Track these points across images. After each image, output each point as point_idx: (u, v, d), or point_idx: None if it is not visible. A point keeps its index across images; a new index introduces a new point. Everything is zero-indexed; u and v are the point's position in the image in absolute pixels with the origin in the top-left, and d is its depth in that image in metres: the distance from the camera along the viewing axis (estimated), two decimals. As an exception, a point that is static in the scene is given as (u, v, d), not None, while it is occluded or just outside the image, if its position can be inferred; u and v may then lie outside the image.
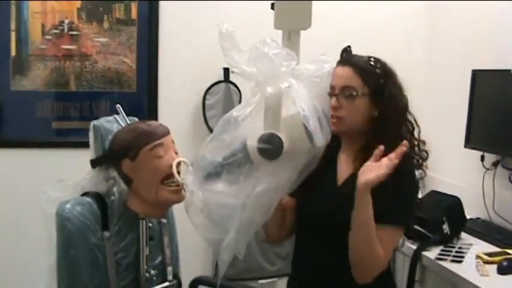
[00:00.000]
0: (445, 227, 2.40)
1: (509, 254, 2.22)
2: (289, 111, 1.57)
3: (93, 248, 1.67)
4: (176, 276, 1.90)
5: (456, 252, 2.32)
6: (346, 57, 1.73)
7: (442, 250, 2.34)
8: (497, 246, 2.38)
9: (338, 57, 1.79)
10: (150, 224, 1.80)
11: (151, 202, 1.75)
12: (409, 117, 1.73)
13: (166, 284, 1.84)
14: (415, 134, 1.73)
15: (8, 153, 3.04)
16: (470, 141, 2.80)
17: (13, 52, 3.04)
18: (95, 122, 1.85)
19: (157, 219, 1.84)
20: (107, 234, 1.70)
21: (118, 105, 1.89)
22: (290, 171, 1.60)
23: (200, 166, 1.61)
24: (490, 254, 2.24)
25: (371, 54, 1.74)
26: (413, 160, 1.72)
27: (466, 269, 2.16)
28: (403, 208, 1.65)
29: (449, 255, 2.28)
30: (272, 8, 2.19)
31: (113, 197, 1.78)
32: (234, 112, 1.60)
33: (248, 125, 1.58)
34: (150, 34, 3.14)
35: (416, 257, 2.34)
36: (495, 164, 2.70)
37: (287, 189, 1.65)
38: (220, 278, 1.68)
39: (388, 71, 1.71)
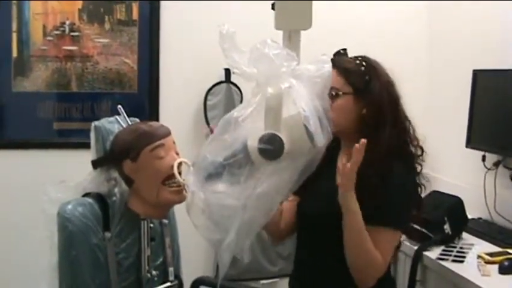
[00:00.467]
0: (447, 227, 2.40)
1: (510, 254, 2.22)
2: (289, 111, 1.57)
3: (94, 249, 1.68)
4: (178, 276, 1.90)
5: (457, 252, 2.32)
6: (334, 59, 1.74)
7: (444, 250, 2.34)
8: (499, 246, 2.38)
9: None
10: (152, 225, 1.80)
11: (153, 203, 1.75)
12: (403, 112, 1.72)
13: (168, 284, 1.84)
14: (411, 132, 1.73)
15: (9, 154, 3.05)
16: (472, 141, 2.80)
17: (14, 53, 3.05)
18: (96, 122, 1.85)
19: (158, 220, 1.85)
20: (108, 234, 1.71)
21: (119, 106, 1.89)
22: (291, 172, 1.60)
23: (201, 167, 1.61)
24: (491, 254, 2.24)
25: (371, 55, 1.75)
26: (407, 160, 1.71)
27: (468, 269, 2.16)
28: (397, 210, 1.65)
29: (450, 255, 2.28)
30: (273, 8, 2.19)
31: (114, 198, 1.78)
32: (235, 112, 1.60)
33: (249, 125, 1.57)
34: (151, 35, 3.15)
35: (417, 257, 2.34)
36: (496, 164, 2.70)
37: (288, 190, 1.64)
38: (220, 278, 1.68)
39: (372, 67, 1.72)
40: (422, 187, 1.77)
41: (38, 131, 3.10)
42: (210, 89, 3.16)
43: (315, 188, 1.71)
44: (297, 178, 1.63)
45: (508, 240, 2.41)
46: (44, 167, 2.93)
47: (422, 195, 1.80)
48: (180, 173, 1.73)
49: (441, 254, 2.30)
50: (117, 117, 1.87)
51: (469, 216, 2.57)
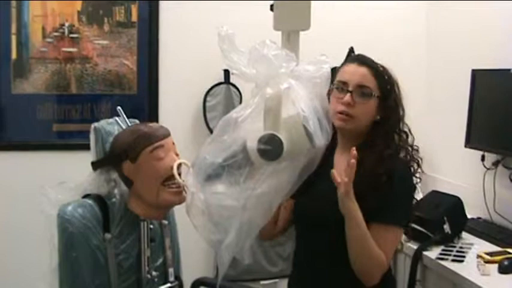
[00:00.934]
0: (446, 226, 2.40)
1: (510, 253, 2.22)
2: (289, 112, 1.57)
3: (94, 250, 1.68)
4: (178, 277, 1.90)
5: (457, 251, 2.32)
6: (361, 57, 1.76)
7: (443, 250, 2.34)
8: (498, 245, 2.37)
9: (338, 58, 1.80)
10: (151, 226, 1.80)
11: (152, 204, 1.76)
12: (404, 128, 1.76)
13: (168, 285, 1.84)
14: (409, 141, 1.76)
15: (9, 156, 3.05)
16: (471, 141, 2.80)
17: (14, 55, 3.05)
18: (96, 124, 1.86)
19: (158, 221, 1.85)
20: (108, 236, 1.71)
21: (119, 108, 1.90)
22: (290, 172, 1.61)
23: (200, 167, 1.61)
24: (491, 254, 2.24)
25: (370, 55, 1.75)
26: (408, 164, 1.74)
27: (467, 269, 2.16)
28: (399, 208, 1.68)
29: (450, 255, 2.28)
30: (271, 9, 2.19)
31: (114, 199, 1.78)
32: (234, 113, 1.60)
33: (248, 126, 1.58)
34: (150, 36, 3.15)
35: (417, 256, 2.34)
36: (495, 164, 2.70)
37: (288, 191, 1.65)
38: (220, 279, 1.68)
39: (394, 79, 1.76)
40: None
41: (38, 133, 3.10)
42: (209, 90, 3.16)
43: (314, 188, 1.72)
44: (296, 178, 1.63)
45: (508, 239, 2.42)
46: (43, 169, 2.92)
47: (421, 195, 1.82)
48: (179, 174, 1.74)
49: (441, 254, 2.30)
50: (116, 118, 1.87)
51: (469, 216, 2.57)
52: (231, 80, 3.14)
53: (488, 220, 2.71)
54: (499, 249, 2.32)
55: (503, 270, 2.11)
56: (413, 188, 1.76)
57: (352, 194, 1.56)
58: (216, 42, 1.61)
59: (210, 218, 1.61)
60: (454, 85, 3.06)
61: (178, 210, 1.84)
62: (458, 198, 2.51)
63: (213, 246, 1.70)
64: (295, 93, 1.58)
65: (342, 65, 1.78)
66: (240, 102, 3.11)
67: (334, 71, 1.75)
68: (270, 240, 1.87)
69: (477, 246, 2.40)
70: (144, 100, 3.18)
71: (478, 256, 2.24)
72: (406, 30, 3.38)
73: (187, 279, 1.98)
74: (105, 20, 3.12)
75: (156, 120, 3.09)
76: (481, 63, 2.76)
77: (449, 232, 2.41)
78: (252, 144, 1.55)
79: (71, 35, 3.09)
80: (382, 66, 1.74)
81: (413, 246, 2.39)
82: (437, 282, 2.31)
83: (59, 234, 1.68)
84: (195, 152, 1.68)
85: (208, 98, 3.16)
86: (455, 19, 3.15)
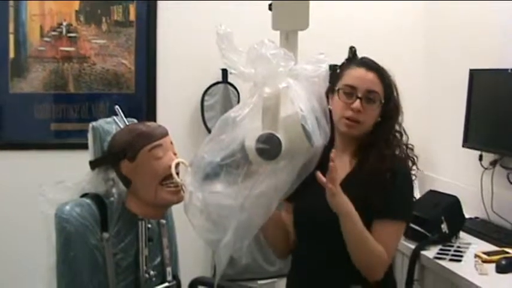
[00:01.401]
0: (444, 226, 2.41)
1: (507, 252, 2.23)
2: (287, 111, 1.57)
3: (92, 249, 1.68)
4: (175, 276, 1.91)
5: (455, 251, 2.32)
6: (368, 61, 1.77)
7: (441, 249, 2.35)
8: (496, 245, 2.38)
9: (336, 57, 1.80)
10: (149, 225, 1.80)
11: (150, 203, 1.75)
12: (399, 128, 1.79)
13: (166, 284, 1.84)
14: (404, 140, 1.79)
15: (7, 155, 3.04)
16: (468, 141, 2.81)
17: (12, 54, 3.05)
18: (94, 123, 1.85)
19: (156, 220, 1.85)
20: (106, 235, 1.71)
21: (117, 107, 1.90)
22: (289, 172, 1.61)
23: (199, 167, 1.61)
24: (488, 253, 2.24)
25: (369, 54, 1.76)
26: (406, 161, 1.77)
27: (465, 268, 2.16)
28: (401, 203, 1.71)
29: (448, 255, 2.29)
30: (270, 9, 2.19)
31: (112, 198, 1.78)
32: (232, 113, 1.60)
33: (246, 125, 1.58)
34: (148, 35, 3.15)
35: (415, 256, 2.34)
36: (493, 164, 2.71)
37: (286, 190, 1.64)
38: (217, 278, 1.68)
39: (394, 81, 1.78)
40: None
41: (36, 132, 3.10)
42: (207, 89, 3.16)
43: (312, 189, 1.71)
44: (295, 178, 1.63)
45: (505, 239, 2.42)
46: (41, 168, 2.92)
47: (419, 194, 1.83)
48: (177, 173, 1.73)
49: (438, 253, 2.31)
50: (114, 117, 1.87)
51: (466, 216, 2.57)
52: (229, 79, 3.14)
53: (486, 220, 2.71)
54: (496, 248, 2.33)
55: (501, 269, 2.11)
56: (413, 185, 1.78)
57: (340, 191, 1.58)
58: (214, 41, 1.60)
59: (208, 217, 1.61)
60: (452, 85, 3.06)
61: (177, 210, 1.84)
62: (456, 198, 2.51)
63: (211, 245, 1.70)
64: (294, 93, 1.58)
65: (345, 65, 1.79)
66: (238, 101, 3.12)
67: (332, 68, 1.75)
68: (289, 254, 1.88)
69: (475, 245, 2.40)
70: (142, 99, 3.19)
71: (476, 256, 2.25)
72: (404, 30, 3.38)
73: (185, 279, 1.98)
74: (103, 19, 3.12)
75: (154, 120, 3.10)
76: (479, 63, 2.77)
77: (447, 232, 2.41)
78: (251, 144, 1.55)
79: (69, 34, 3.09)
80: (383, 69, 1.76)
81: (411, 245, 2.39)
82: (435, 281, 2.32)
83: (57, 233, 1.68)
84: (193, 151, 1.68)
85: (206, 97, 3.16)
86: (453, 19, 3.15)
